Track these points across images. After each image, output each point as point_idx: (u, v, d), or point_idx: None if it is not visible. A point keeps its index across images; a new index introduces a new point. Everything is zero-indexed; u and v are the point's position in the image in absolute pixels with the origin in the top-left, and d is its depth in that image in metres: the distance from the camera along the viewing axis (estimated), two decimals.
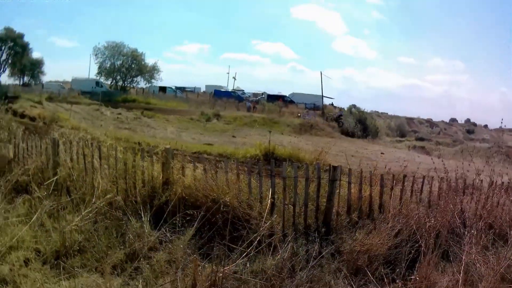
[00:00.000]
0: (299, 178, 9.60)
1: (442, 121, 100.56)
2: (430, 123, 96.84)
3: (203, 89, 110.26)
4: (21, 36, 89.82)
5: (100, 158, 11.21)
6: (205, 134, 42.73)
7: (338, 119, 66.10)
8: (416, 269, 7.66)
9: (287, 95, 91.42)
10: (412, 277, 7.41)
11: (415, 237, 8.43)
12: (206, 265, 7.13)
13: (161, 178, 10.31)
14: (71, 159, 11.70)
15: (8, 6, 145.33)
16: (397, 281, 7.29)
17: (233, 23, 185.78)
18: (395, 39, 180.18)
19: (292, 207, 9.41)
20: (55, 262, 7.84)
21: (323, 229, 8.99)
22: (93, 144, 11.98)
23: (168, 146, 11.14)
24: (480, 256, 7.77)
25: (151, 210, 9.40)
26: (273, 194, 9.41)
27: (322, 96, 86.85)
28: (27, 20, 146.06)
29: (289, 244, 7.94)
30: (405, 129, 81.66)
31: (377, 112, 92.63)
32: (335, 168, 9.49)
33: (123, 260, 7.87)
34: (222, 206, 9.12)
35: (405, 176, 10.15)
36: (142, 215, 9.04)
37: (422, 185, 10.14)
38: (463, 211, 9.59)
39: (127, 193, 10.38)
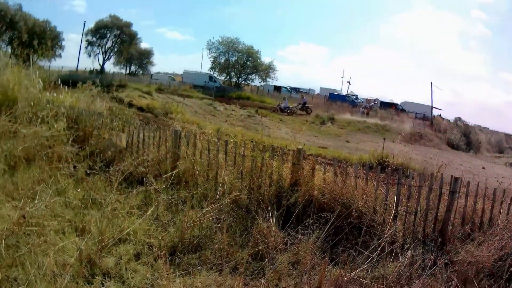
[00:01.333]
0: (421, 187, 9.57)
1: None
2: None
3: (317, 91, 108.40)
4: (128, 25, 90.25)
5: (226, 154, 11.25)
6: (319, 137, 42.16)
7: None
8: None
9: (399, 104, 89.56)
10: None
11: None
12: (333, 269, 7.16)
13: (290, 178, 10.33)
14: (194, 153, 11.74)
15: None
16: None
17: (349, 25, 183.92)
18: (499, 54, 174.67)
19: (413, 216, 9.40)
20: (170, 258, 7.71)
21: (439, 239, 9.01)
22: (219, 139, 11.87)
23: (300, 147, 10.88)
24: None
25: (278, 210, 9.40)
26: (398, 201, 9.46)
27: (432, 106, 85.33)
28: (132, 10, 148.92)
29: (408, 252, 7.98)
30: (503, 146, 79.43)
31: (479, 126, 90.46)
32: (456, 179, 9.39)
33: (245, 259, 7.76)
34: (353, 211, 9.18)
35: None
36: (270, 215, 9.03)
37: None
38: None
39: (252, 191, 10.35)
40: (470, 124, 78.99)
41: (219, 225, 8.78)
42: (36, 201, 8.35)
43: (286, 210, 9.55)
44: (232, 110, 54.80)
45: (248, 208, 9.63)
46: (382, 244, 7.82)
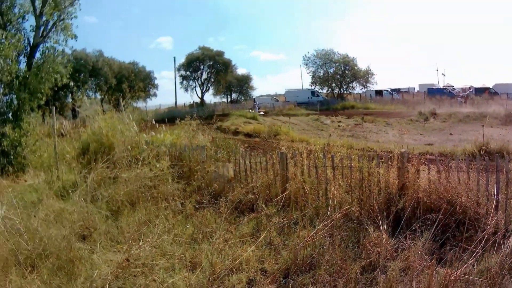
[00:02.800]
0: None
1: None
2: None
3: (417, 88, 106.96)
4: (220, 53, 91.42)
5: (333, 168, 11.13)
6: (424, 134, 41.46)
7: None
8: None
9: (491, 87, 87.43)
10: None
11: None
12: (440, 270, 6.96)
13: (397, 183, 10.19)
14: (302, 172, 11.67)
15: (199, 26, 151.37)
16: None
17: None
18: None
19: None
20: (284, 281, 7.73)
21: None
22: (325, 155, 11.72)
23: (403, 150, 10.60)
24: None
25: (388, 217, 9.19)
26: (498, 190, 9.15)
27: None
28: (221, 38, 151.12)
29: (510, 240, 7.68)
30: None
31: None
32: None
33: (357, 272, 7.60)
34: (458, 207, 8.92)
35: None
36: (380, 224, 8.84)
37: None
38: None
39: (362, 202, 10.31)
40: None
41: (331, 241, 8.56)
42: (141, 242, 8.48)
43: (396, 216, 9.45)
44: (339, 121, 54.51)
45: (360, 220, 9.57)
46: (486, 236, 7.53)
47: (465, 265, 6.96)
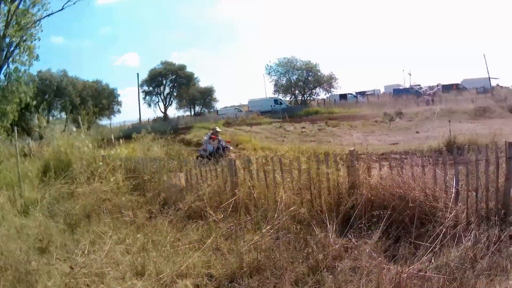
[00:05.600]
0: (479, 161, 9.29)
1: None
2: None
3: (382, 90, 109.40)
4: (183, 67, 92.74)
5: (282, 171, 11.25)
6: (390, 134, 41.72)
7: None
8: None
9: (459, 83, 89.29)
10: None
11: None
12: (391, 267, 6.86)
13: (347, 182, 10.22)
14: (251, 177, 11.81)
15: (162, 42, 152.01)
16: None
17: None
18: None
19: (474, 193, 9.12)
20: (229, 286, 7.84)
21: (502, 211, 8.70)
22: (273, 159, 11.89)
23: (352, 148, 10.70)
24: None
25: (337, 217, 9.19)
26: (457, 182, 9.17)
27: (489, 78, 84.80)
28: (185, 53, 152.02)
29: (472, 232, 7.70)
30: None
31: None
32: (511, 144, 8.99)
33: (305, 273, 7.69)
34: (409, 202, 8.82)
35: None
36: (327, 224, 8.77)
37: None
38: None
39: (312, 203, 10.37)
40: None
41: (278, 244, 8.64)
42: (93, 252, 8.78)
43: (347, 215, 9.45)
44: (302, 127, 54.51)
45: (308, 221, 9.45)
46: (444, 230, 7.59)
47: (419, 262, 6.93)
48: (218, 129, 26.40)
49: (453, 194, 8.87)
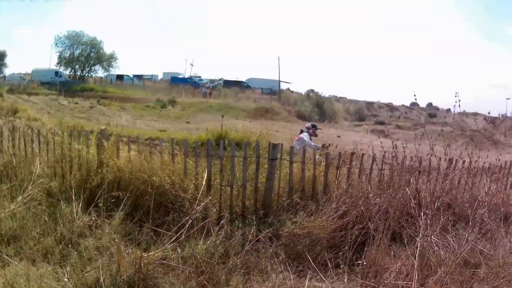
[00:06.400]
0: (239, 158, 9.32)
1: (403, 105, 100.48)
2: (390, 107, 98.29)
3: (160, 76, 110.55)
4: None
5: (39, 143, 10.97)
6: (159, 121, 43.01)
7: None
8: (364, 253, 7.39)
9: (244, 81, 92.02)
10: (359, 262, 7.14)
11: (363, 219, 8.17)
12: (131, 251, 6.84)
13: (96, 161, 10.07)
14: (13, 146, 11.29)
15: None
16: (341, 266, 7.11)
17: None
18: None
19: (229, 189, 9.06)
20: None
21: (261, 212, 8.64)
22: (33, 130, 11.56)
23: (103, 127, 10.76)
24: (438, 239, 7.50)
25: (84, 195, 8.95)
26: (209, 174, 9.17)
27: (280, 81, 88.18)
28: None
29: (223, 228, 7.73)
30: (364, 114, 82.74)
31: (336, 96, 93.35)
32: (274, 146, 9.08)
33: (53, 246, 7.54)
34: (151, 187, 8.75)
35: (353, 154, 9.86)
36: (74, 200, 8.64)
37: (372, 164, 9.77)
38: (418, 191, 9.19)
39: (63, 178, 10.12)
40: (323, 95, 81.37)
41: (31, 215, 8.44)
42: None
43: (93, 193, 9.14)
44: (75, 103, 55.24)
45: (59, 196, 9.11)
46: (191, 221, 7.53)
47: (162, 249, 7.08)
48: None
49: (203, 187, 8.77)
